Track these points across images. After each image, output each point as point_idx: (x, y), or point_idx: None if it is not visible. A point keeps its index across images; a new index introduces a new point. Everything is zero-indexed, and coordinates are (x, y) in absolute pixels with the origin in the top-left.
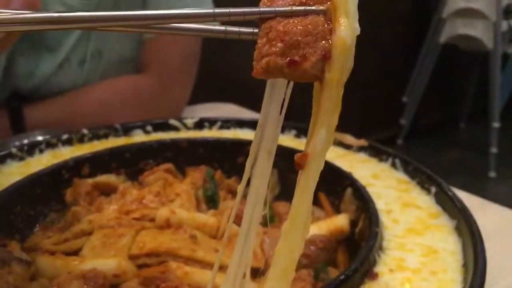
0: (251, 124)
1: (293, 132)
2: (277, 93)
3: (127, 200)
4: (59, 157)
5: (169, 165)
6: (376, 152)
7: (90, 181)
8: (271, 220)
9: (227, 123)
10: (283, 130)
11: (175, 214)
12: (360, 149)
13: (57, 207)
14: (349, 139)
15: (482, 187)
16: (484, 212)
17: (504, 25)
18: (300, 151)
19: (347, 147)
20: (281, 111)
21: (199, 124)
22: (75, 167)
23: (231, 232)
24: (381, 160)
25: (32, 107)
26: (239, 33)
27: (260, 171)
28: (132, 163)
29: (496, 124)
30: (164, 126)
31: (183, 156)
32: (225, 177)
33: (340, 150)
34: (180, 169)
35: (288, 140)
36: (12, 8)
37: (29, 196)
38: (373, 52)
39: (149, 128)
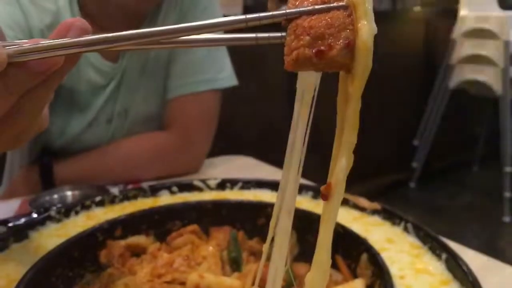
0: (270, 185)
1: (310, 193)
2: (296, 152)
3: (158, 263)
4: (92, 218)
5: (194, 227)
6: (389, 215)
7: (122, 242)
8: (291, 284)
9: (247, 184)
10: (300, 191)
11: (204, 278)
12: (374, 212)
13: (92, 268)
14: (363, 202)
15: (496, 232)
16: (495, 273)
17: None
18: (317, 214)
19: (362, 209)
20: (298, 170)
21: (221, 185)
22: (109, 230)
23: None
24: (394, 223)
25: (61, 163)
26: (269, 38)
27: (282, 231)
28: (160, 224)
29: (508, 169)
30: (188, 187)
31: (207, 217)
32: (247, 238)
33: (355, 213)
34: (204, 229)
35: (306, 201)
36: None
37: (68, 259)
38: (383, 97)
39: (175, 189)
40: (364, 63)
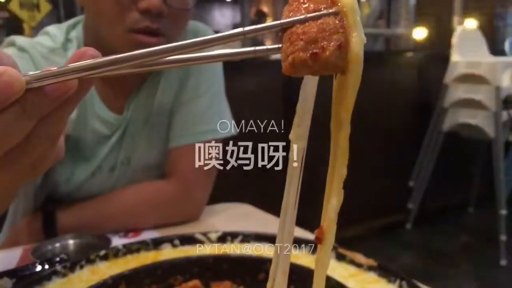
0: (269, 239)
1: (308, 248)
2: (289, 217)
3: None
4: (96, 272)
5: (196, 282)
6: (384, 272)
7: None
8: None
9: (247, 237)
10: (299, 245)
11: None
12: (370, 268)
13: None
14: (359, 258)
15: (493, 276)
16: None
17: (505, 115)
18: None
19: (358, 265)
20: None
21: (222, 238)
22: (113, 286)
23: None
24: (389, 281)
25: (64, 212)
26: (267, 50)
27: None
28: (162, 278)
29: (503, 212)
30: (190, 240)
31: (209, 271)
32: None
33: (352, 269)
34: (205, 283)
35: (304, 256)
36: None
37: None
38: (378, 138)
39: (176, 242)
40: (356, 73)
